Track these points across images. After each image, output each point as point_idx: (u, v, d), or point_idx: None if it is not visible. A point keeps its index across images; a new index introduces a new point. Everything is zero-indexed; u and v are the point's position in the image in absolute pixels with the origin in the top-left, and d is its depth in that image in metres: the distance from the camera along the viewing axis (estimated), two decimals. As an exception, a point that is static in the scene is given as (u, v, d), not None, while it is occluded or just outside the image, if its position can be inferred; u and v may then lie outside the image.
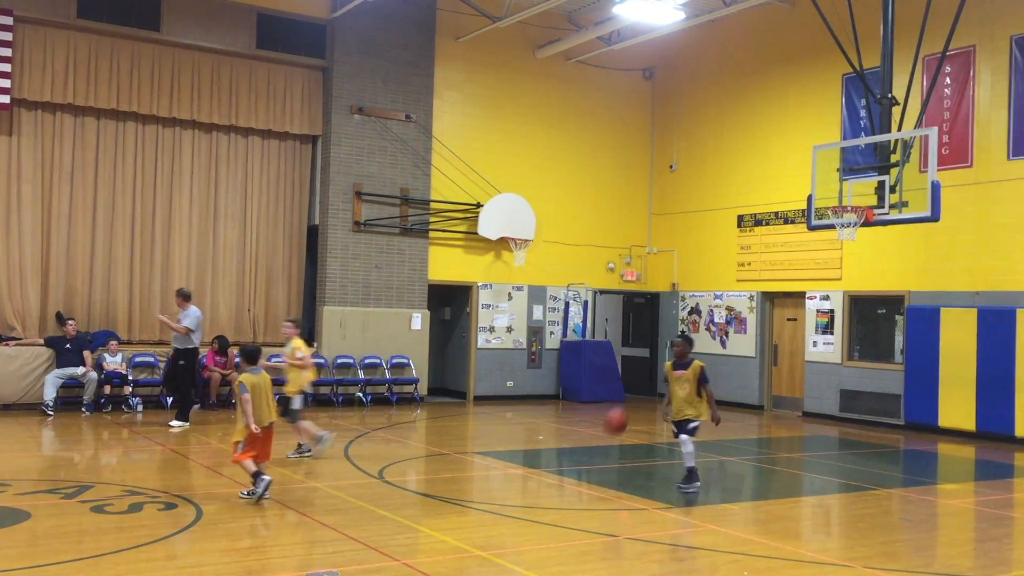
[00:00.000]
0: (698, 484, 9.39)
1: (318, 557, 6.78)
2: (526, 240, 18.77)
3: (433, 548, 7.12)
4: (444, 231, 18.40)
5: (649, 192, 21.01)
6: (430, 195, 18.20)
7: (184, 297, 13.84)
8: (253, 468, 8.45)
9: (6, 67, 14.57)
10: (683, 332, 10.20)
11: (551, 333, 19.71)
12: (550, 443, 13.99)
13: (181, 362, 13.61)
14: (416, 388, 17.74)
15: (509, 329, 19.16)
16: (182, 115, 16.28)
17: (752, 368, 18.58)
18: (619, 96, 20.63)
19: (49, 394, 14.25)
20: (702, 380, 9.36)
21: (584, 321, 20.00)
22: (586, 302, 20.08)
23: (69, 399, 14.71)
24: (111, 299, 15.95)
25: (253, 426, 8.43)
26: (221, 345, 15.88)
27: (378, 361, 17.51)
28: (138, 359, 15.56)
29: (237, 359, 15.95)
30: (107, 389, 14.82)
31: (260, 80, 16.93)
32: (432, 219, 18.26)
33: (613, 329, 21.11)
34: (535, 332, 19.47)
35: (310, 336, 17.54)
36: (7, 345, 14.64)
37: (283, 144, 17.49)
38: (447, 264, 18.50)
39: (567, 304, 19.88)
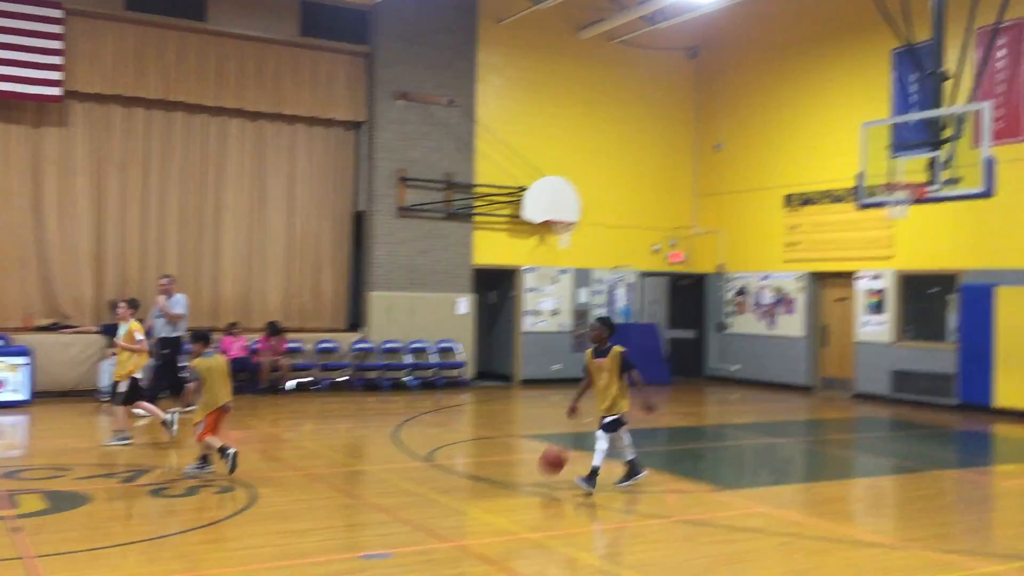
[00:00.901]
0: (643, 474, 8.65)
1: (371, 539, 6.87)
2: (570, 223, 18.72)
3: (483, 530, 7.17)
4: (488, 215, 18.42)
5: (694, 172, 20.82)
6: (474, 179, 18.22)
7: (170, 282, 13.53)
8: (218, 444, 8.80)
9: (58, 60, 14.83)
10: (603, 316, 8.53)
11: (597, 316, 19.65)
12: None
13: (166, 351, 13.07)
14: (462, 372, 17.83)
15: (554, 312, 19.15)
16: (228, 104, 16.46)
17: (800, 349, 18.38)
18: (663, 76, 20.44)
19: (104, 381, 14.55)
20: (624, 367, 8.45)
21: (630, 303, 19.93)
22: (631, 284, 20.00)
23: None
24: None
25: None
26: (273, 330, 16.07)
27: (425, 346, 17.62)
28: (190, 346, 15.79)
29: (249, 346, 16.17)
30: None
31: (304, 67, 17.05)
32: (476, 203, 18.28)
33: (659, 311, 20.99)
34: (581, 315, 19.44)
35: (356, 320, 17.72)
36: (63, 333, 14.97)
37: (328, 131, 17.61)
38: (492, 248, 18.52)
39: (612, 287, 19.82)
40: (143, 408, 10.99)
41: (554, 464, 8.49)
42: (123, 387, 10.63)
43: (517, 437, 12.44)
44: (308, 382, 16.53)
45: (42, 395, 13.97)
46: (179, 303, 13.31)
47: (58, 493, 8.01)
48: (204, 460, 8.88)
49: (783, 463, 11.14)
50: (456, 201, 18.03)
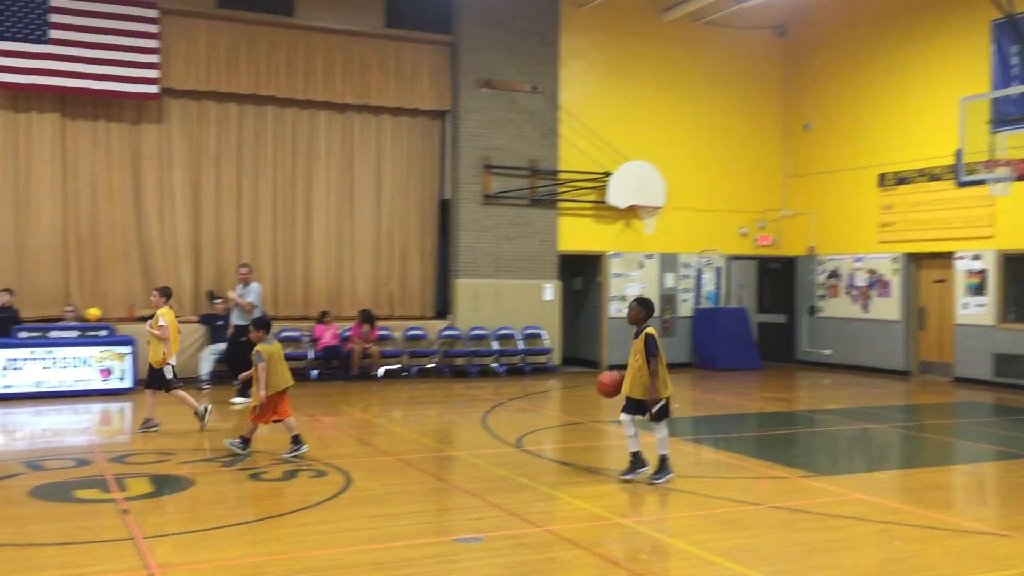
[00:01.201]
0: (671, 475, 8.15)
1: (462, 523, 6.96)
2: (656, 207, 18.55)
3: (574, 515, 7.20)
4: (573, 201, 18.38)
5: (783, 153, 20.40)
6: (558, 165, 18.20)
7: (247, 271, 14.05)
8: (254, 431, 9.35)
9: (154, 59, 15.33)
10: (641, 296, 7.92)
11: (684, 301, 19.48)
12: (685, 411, 13.87)
13: (243, 338, 13.09)
14: (549, 358, 17.88)
15: (641, 297, 19.01)
16: (317, 97, 16.79)
17: (897, 332, 17.88)
18: (749, 56, 20.06)
19: (204, 368, 15.05)
20: (648, 352, 8.02)
21: (717, 288, 19.68)
22: (719, 268, 19.73)
23: (222, 373, 15.47)
24: (257, 276, 16.64)
25: (262, 393, 9.16)
26: (365, 318, 16.36)
27: (511, 332, 17.72)
28: (284, 334, 16.22)
29: (342, 332, 16.45)
30: (256, 363, 15.51)
31: (389, 58, 17.26)
32: (561, 189, 18.27)
33: (747, 295, 20.67)
34: (667, 300, 19.28)
35: (444, 308, 17.92)
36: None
37: (413, 120, 17.81)
38: (577, 234, 18.49)
39: (699, 271, 19.59)
40: (178, 396, 11.04)
41: (611, 386, 8.38)
42: (169, 372, 10.86)
43: (605, 423, 12.42)
44: (397, 369, 16.80)
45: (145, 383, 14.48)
46: (253, 292, 13.73)
47: (163, 477, 8.34)
48: (297, 441, 9.20)
49: (879, 449, 10.88)
50: (540, 188, 18.05)
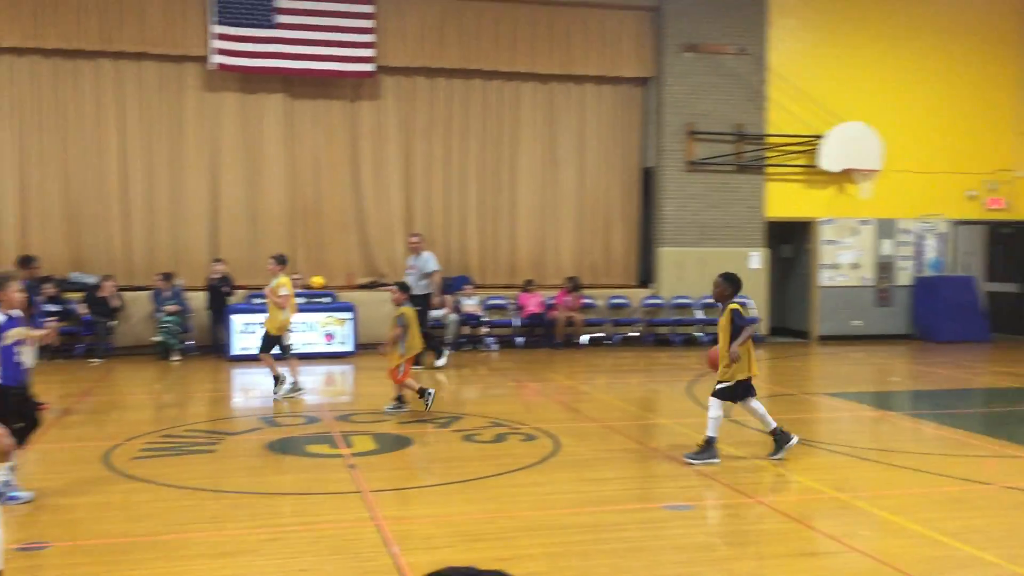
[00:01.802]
0: (714, 460, 7.52)
1: (671, 490, 6.96)
2: (872, 171, 17.60)
3: (786, 487, 7.05)
4: (782, 166, 17.75)
5: (1016, 109, 18.78)
6: (766, 130, 17.61)
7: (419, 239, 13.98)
8: (417, 386, 9.92)
9: (370, 38, 16.05)
10: (727, 272, 7.18)
11: (903, 269, 18.43)
12: (905, 384, 13.20)
13: (417, 307, 13.44)
14: (756, 328, 17.42)
15: (855, 266, 18.18)
16: (521, 68, 17.03)
17: None
18: (980, 4, 18.55)
19: (417, 334, 15.74)
20: (733, 329, 7.58)
21: (941, 255, 18.48)
22: (942, 235, 18.51)
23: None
24: (464, 246, 17.24)
25: (415, 350, 9.91)
26: (573, 286, 16.55)
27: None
28: (491, 301, 16.69)
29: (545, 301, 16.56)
30: (465, 330, 16.07)
31: (592, 27, 17.24)
32: (768, 154, 17.68)
33: (975, 263, 19.28)
34: (884, 268, 18.31)
35: (647, 276, 17.84)
36: (380, 290, 16.31)
37: (616, 88, 17.74)
38: (786, 200, 17.85)
39: (920, 237, 18.45)
40: (266, 364, 11.11)
41: (713, 362, 7.94)
42: (287, 340, 10.98)
43: (817, 395, 12.02)
44: (600, 337, 16.92)
45: (363, 347, 15.33)
46: (429, 261, 13.64)
47: (384, 435, 8.83)
48: (400, 400, 9.89)
49: None
50: (747, 153, 17.54)
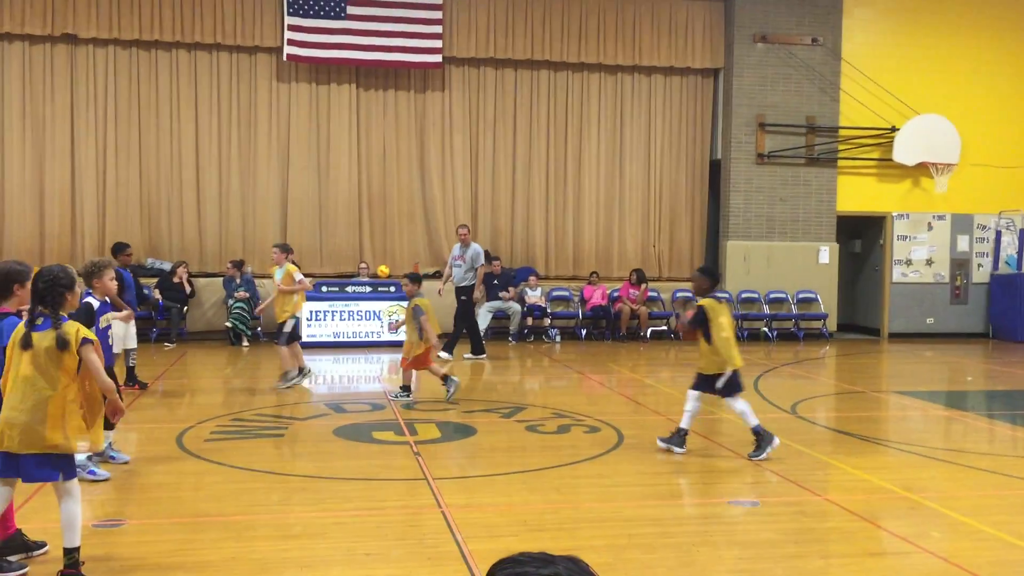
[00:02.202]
0: (766, 450, 7.40)
1: (736, 486, 6.89)
2: (949, 164, 17.15)
3: (854, 486, 6.92)
4: (854, 159, 17.40)
5: (1104, 102, 18.11)
6: (839, 122, 17.27)
7: (467, 231, 13.86)
8: (442, 371, 10.13)
9: (438, 29, 16.14)
10: (704, 265, 7.11)
11: (979, 266, 17.94)
12: (979, 384, 12.87)
13: (463, 298, 13.48)
14: (824, 324, 17.15)
15: (929, 262, 17.75)
16: (589, 59, 16.97)
17: None
18: (1065, -7, 17.92)
19: (481, 324, 15.79)
20: (693, 324, 7.51)
21: (1020, 252, 17.92)
22: (1022, 230, 17.95)
23: (497, 329, 16.20)
24: (529, 237, 17.25)
25: (434, 340, 10.02)
26: (638, 278, 16.46)
27: (784, 296, 17.16)
28: (555, 293, 16.69)
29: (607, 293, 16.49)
30: (529, 321, 16.10)
31: (662, 17, 17.09)
32: (841, 147, 17.34)
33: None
34: (960, 265, 17.84)
35: (715, 270, 17.65)
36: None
37: (684, 80, 17.57)
38: (858, 194, 17.50)
39: (998, 233, 17.93)
40: (294, 351, 10.90)
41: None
42: (289, 326, 10.64)
43: (887, 393, 11.77)
44: (664, 331, 16.80)
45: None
46: (480, 254, 13.45)
47: (449, 424, 8.90)
48: (406, 389, 10.14)
49: None
50: (819, 146, 17.23)
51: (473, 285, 13.55)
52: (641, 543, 5.46)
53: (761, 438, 7.49)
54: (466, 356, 13.62)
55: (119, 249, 11.57)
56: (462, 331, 13.68)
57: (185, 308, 15.15)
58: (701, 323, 7.52)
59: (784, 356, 14.77)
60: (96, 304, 6.84)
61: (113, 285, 7.00)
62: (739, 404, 7.60)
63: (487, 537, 5.52)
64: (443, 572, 4.98)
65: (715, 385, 7.58)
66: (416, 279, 10.50)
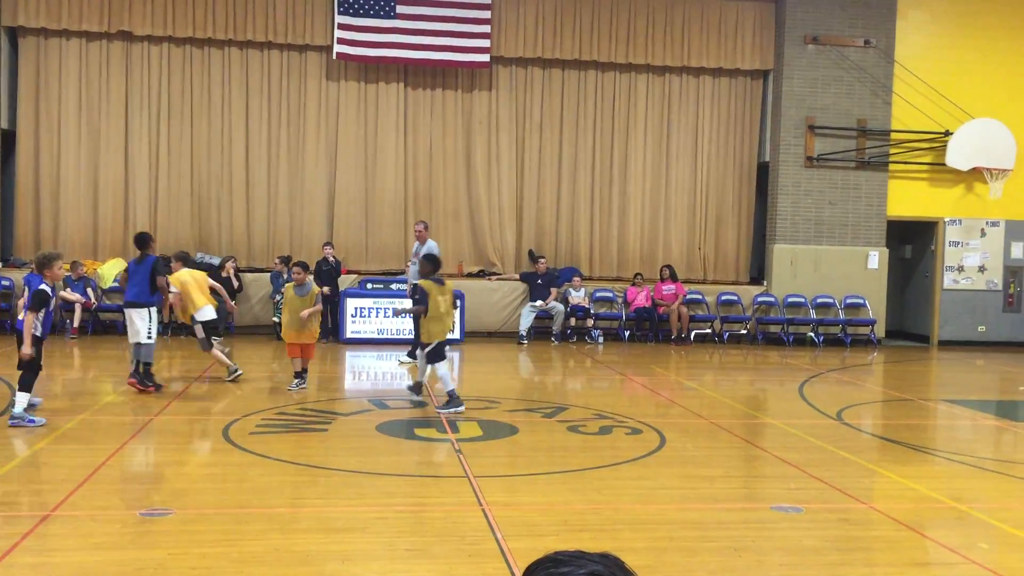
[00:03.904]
0: (451, 409, 9.04)
1: (779, 492, 6.82)
2: (1004, 170, 16.79)
3: (901, 495, 6.82)
4: (906, 163, 17.12)
5: None
6: (890, 125, 17.01)
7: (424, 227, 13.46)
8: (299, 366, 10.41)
9: (486, 29, 16.17)
10: (428, 252, 10.96)
11: (1033, 273, 17.56)
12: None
13: (416, 296, 12.91)
14: (872, 330, 16.90)
15: (981, 269, 17.40)
16: (637, 60, 16.90)
17: None
18: None
19: (524, 324, 15.82)
20: (414, 300, 9.63)
21: (1075, 260, 17.52)
22: (1079, 238, 17.54)
23: (540, 329, 16.19)
24: (574, 237, 17.22)
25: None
26: (670, 274, 16.33)
27: (831, 301, 16.94)
28: (599, 294, 16.65)
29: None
30: (572, 321, 16.07)
31: (711, 18, 16.97)
32: (892, 151, 17.08)
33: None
34: (1013, 272, 17.47)
35: (759, 273, 17.50)
36: (490, 280, 16.48)
37: (733, 81, 17.42)
38: (909, 198, 17.21)
39: (1054, 241, 17.52)
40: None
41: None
42: (198, 328, 10.76)
43: (934, 400, 11.58)
44: (708, 334, 16.67)
45: (471, 335, 15.51)
46: (433, 251, 12.69)
47: (490, 423, 8.91)
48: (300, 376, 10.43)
49: None
50: (869, 149, 16.98)
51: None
52: (682, 546, 5.43)
53: (452, 400, 9.10)
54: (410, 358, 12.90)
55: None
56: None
57: (233, 303, 15.33)
58: (422, 300, 9.21)
59: (831, 362, 14.59)
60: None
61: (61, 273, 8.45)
62: (441, 370, 9.23)
63: (527, 536, 5.53)
64: (483, 570, 5.00)
65: (424, 349, 9.32)
66: (306, 267, 10.63)
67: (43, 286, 8.10)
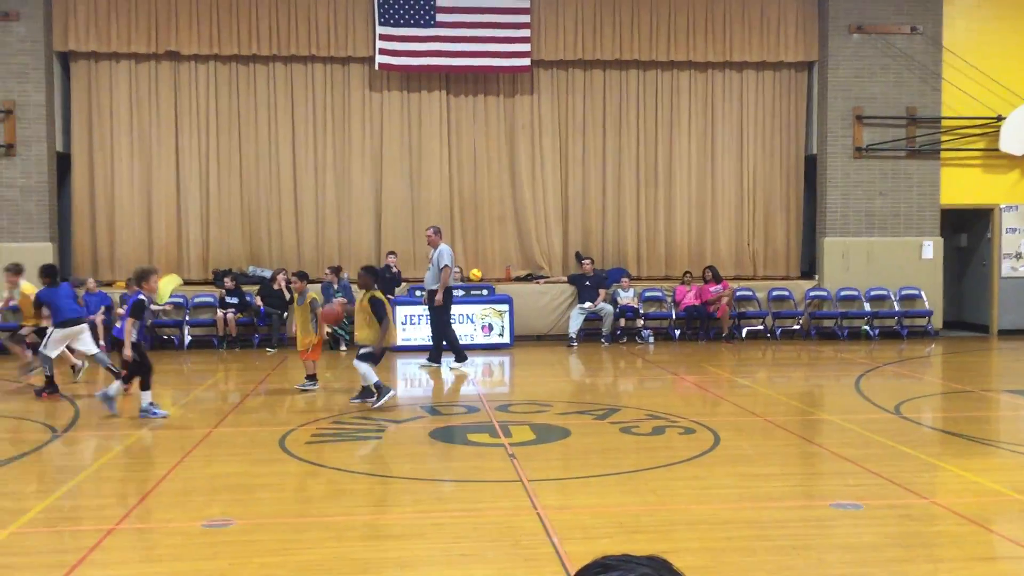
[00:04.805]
0: (377, 400, 9.64)
1: (837, 488, 6.73)
2: (1061, 153, 16.38)
3: (964, 488, 6.69)
4: (958, 150, 16.79)
5: None
6: (941, 112, 16.69)
7: (436, 232, 13.21)
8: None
9: (526, 33, 16.20)
10: (367, 264, 11.92)
11: (1095, 258, 17.10)
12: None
13: (432, 303, 12.83)
14: (929, 321, 16.58)
15: (1040, 255, 16.99)
16: (679, 57, 16.79)
17: None
18: None
19: (574, 326, 15.80)
20: (375, 312, 9.78)
21: None
22: None
23: (590, 331, 16.16)
24: (621, 238, 17.16)
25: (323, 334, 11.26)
26: (714, 275, 16.19)
27: (885, 293, 16.66)
28: (648, 294, 16.56)
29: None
30: (622, 322, 16.01)
31: (753, 12, 16.80)
32: (944, 138, 16.76)
33: None
34: (1074, 258, 17.03)
35: (810, 267, 17.28)
36: (538, 283, 16.49)
37: (777, 74, 17.23)
38: (963, 186, 16.87)
39: (1116, 224, 17.05)
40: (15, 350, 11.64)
41: (329, 317, 10.60)
42: (24, 334, 11.58)
43: (996, 392, 11.33)
44: (760, 330, 16.50)
45: (520, 339, 15.53)
46: (446, 255, 12.77)
47: (542, 426, 8.92)
48: (312, 379, 11.12)
49: None
50: (920, 137, 16.68)
51: (448, 289, 12.82)
52: (740, 546, 5.39)
53: (380, 391, 9.66)
54: (451, 365, 12.95)
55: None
56: (442, 341, 13.05)
57: (285, 314, 15.53)
58: (383, 314, 9.76)
59: (887, 355, 14.34)
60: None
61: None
62: (364, 367, 9.73)
63: (583, 539, 5.52)
64: (539, 573, 5.01)
65: (363, 351, 9.82)
66: (304, 276, 11.42)
67: (141, 296, 9.26)
